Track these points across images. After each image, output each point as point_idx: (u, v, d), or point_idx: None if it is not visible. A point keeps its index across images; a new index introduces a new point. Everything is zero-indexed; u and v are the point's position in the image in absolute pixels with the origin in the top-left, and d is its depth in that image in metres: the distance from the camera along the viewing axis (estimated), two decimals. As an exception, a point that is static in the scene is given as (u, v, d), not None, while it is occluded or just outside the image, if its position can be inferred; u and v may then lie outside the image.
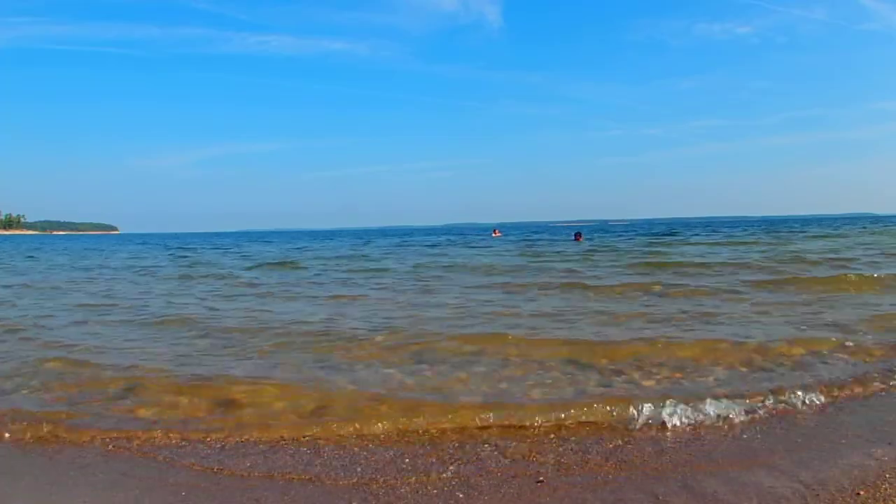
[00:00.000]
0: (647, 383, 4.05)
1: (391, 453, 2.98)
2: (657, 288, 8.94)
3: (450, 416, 3.38)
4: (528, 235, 42.80)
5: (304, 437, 3.21)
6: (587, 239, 28.40)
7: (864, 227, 37.59)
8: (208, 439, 3.21)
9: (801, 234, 28.56)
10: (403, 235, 56.74)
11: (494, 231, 46.18)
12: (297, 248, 29.18)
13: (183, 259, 22.02)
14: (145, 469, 2.87)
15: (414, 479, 2.68)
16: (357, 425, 3.30)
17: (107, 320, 7.34)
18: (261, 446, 3.12)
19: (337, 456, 2.97)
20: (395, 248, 27.64)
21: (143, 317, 7.52)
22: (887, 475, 2.55)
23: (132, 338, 6.14)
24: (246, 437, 3.23)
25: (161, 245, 39.58)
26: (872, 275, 9.53)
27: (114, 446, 3.16)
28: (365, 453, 2.99)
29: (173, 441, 3.21)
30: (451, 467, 2.79)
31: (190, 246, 35.96)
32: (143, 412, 3.69)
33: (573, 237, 28.75)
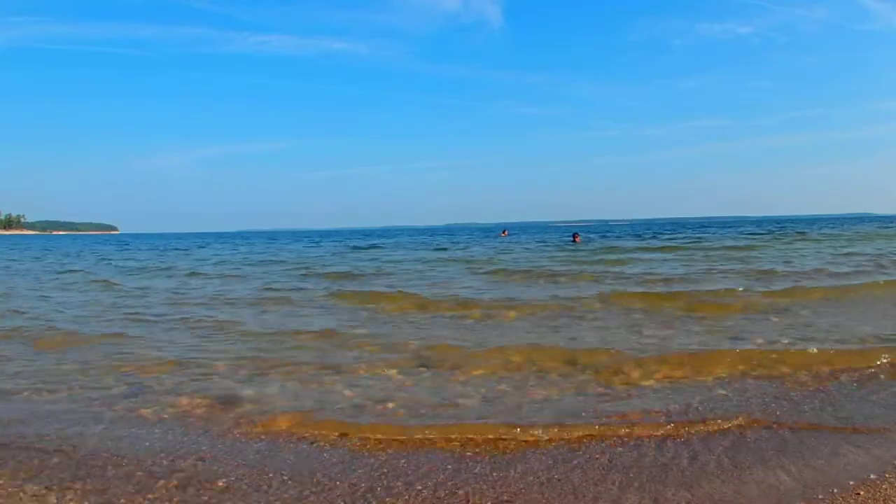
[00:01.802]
0: (646, 383, 4.05)
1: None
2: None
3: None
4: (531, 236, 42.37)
5: None
6: (585, 240, 28.30)
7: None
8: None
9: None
10: (398, 236, 56.06)
11: (503, 232, 46.03)
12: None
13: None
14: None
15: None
16: None
17: None
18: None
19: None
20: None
21: None
22: (887, 475, 2.55)
23: None
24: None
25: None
26: None
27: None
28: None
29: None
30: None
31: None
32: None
33: (571, 238, 28.69)
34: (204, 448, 3.03)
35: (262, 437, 3.19)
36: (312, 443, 3.10)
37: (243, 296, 9.43)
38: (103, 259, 23.18)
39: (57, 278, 14.39)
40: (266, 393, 3.97)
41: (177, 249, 30.86)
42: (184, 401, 3.79)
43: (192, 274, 14.53)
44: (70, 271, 16.62)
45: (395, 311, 7.45)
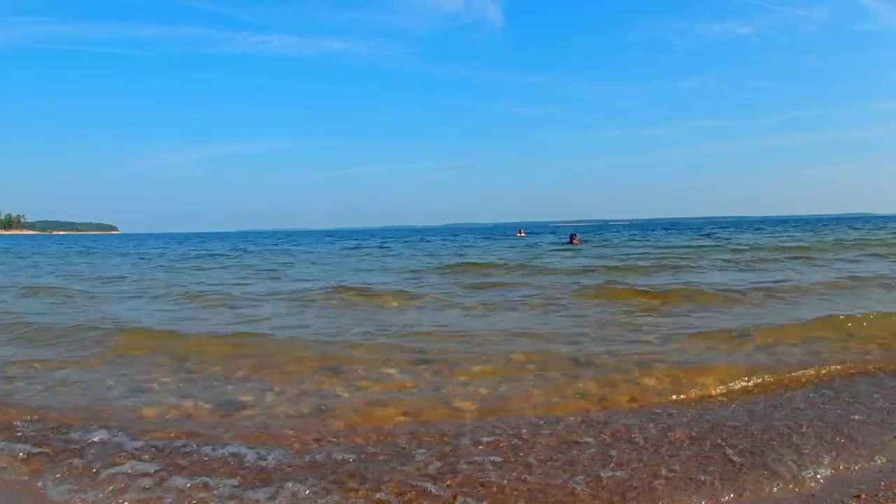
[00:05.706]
0: (646, 381, 4.03)
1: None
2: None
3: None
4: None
5: None
6: (583, 241, 27.37)
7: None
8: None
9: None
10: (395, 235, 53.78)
11: (519, 231, 45.50)
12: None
13: None
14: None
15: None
16: None
17: None
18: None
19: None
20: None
21: None
22: (888, 475, 2.53)
23: None
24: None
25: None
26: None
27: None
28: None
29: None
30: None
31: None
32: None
33: (568, 239, 27.77)
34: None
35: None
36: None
37: None
38: None
39: None
40: None
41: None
42: None
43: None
44: None
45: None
